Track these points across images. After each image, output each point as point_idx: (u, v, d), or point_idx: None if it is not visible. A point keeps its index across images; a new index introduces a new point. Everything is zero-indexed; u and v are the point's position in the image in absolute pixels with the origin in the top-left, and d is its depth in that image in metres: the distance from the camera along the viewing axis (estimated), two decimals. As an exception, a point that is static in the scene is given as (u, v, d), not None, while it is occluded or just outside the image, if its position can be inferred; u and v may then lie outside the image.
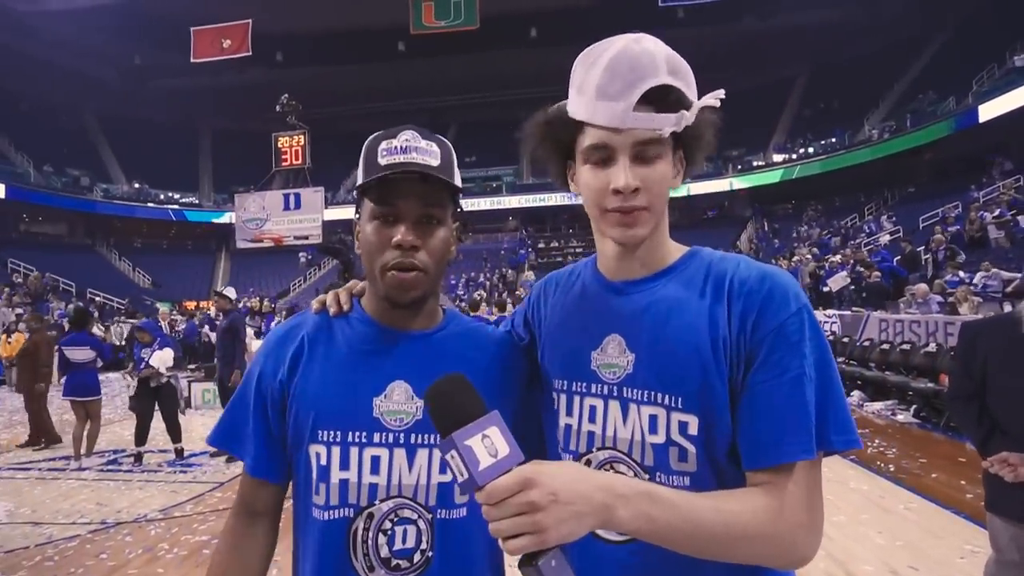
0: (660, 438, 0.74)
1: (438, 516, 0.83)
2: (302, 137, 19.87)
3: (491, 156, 28.22)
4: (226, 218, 25.93)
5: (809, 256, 15.19)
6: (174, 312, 18.25)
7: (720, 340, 0.72)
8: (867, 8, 22.64)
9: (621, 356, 0.78)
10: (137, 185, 27.78)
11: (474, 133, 27.88)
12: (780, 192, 24.53)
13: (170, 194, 28.45)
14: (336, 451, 0.82)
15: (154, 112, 28.64)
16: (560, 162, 0.83)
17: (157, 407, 5.53)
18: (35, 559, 3.35)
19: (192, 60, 21.55)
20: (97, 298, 20.44)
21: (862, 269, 11.07)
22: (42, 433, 6.27)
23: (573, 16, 23.46)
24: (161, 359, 5.43)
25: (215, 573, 0.86)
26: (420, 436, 0.83)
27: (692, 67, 0.74)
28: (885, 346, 7.51)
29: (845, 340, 8.52)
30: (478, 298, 10.42)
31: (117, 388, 9.57)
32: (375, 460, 0.82)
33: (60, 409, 6.45)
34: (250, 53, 21.33)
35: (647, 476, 0.74)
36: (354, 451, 0.82)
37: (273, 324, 12.17)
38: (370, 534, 0.81)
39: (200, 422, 7.14)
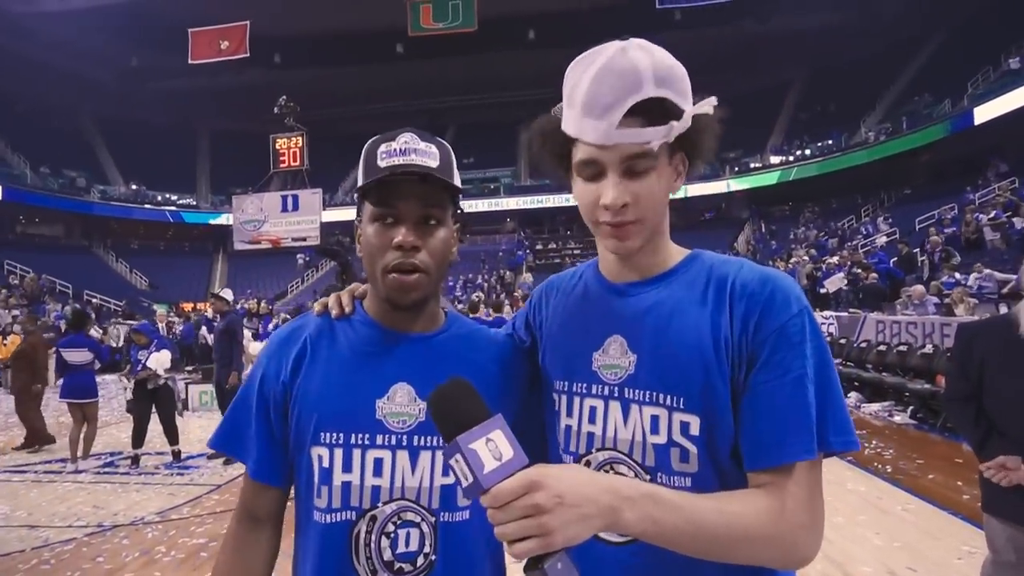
0: (662, 438, 0.74)
1: (441, 519, 0.82)
2: (300, 139, 19.88)
3: (489, 157, 28.25)
4: (223, 219, 25.89)
5: (806, 258, 15.24)
6: (171, 314, 18.19)
7: (722, 341, 0.72)
8: (864, 11, 22.76)
9: (623, 357, 0.78)
10: (134, 186, 27.70)
11: (472, 135, 27.90)
12: (777, 194, 24.61)
13: (167, 195, 28.38)
14: (339, 453, 0.82)
15: (151, 113, 28.58)
16: (560, 168, 0.84)
17: (154, 409, 5.51)
18: (31, 562, 3.33)
19: (190, 61, 21.52)
20: (94, 300, 20.38)
21: (859, 271, 11.12)
22: (34, 437, 6.23)
23: (571, 18, 23.51)
24: (158, 361, 5.42)
25: None
26: (423, 438, 0.83)
27: (689, 69, 0.74)
28: (882, 347, 7.54)
29: (842, 341, 8.55)
30: (476, 300, 10.42)
31: (114, 390, 9.54)
32: (378, 462, 0.82)
33: (57, 411, 6.42)
34: (248, 54, 21.31)
35: (648, 477, 0.74)
36: (357, 453, 0.82)
37: (271, 326, 12.16)
38: (373, 537, 0.81)
39: (197, 424, 7.11)
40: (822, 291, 11.77)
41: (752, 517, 0.65)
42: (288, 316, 15.51)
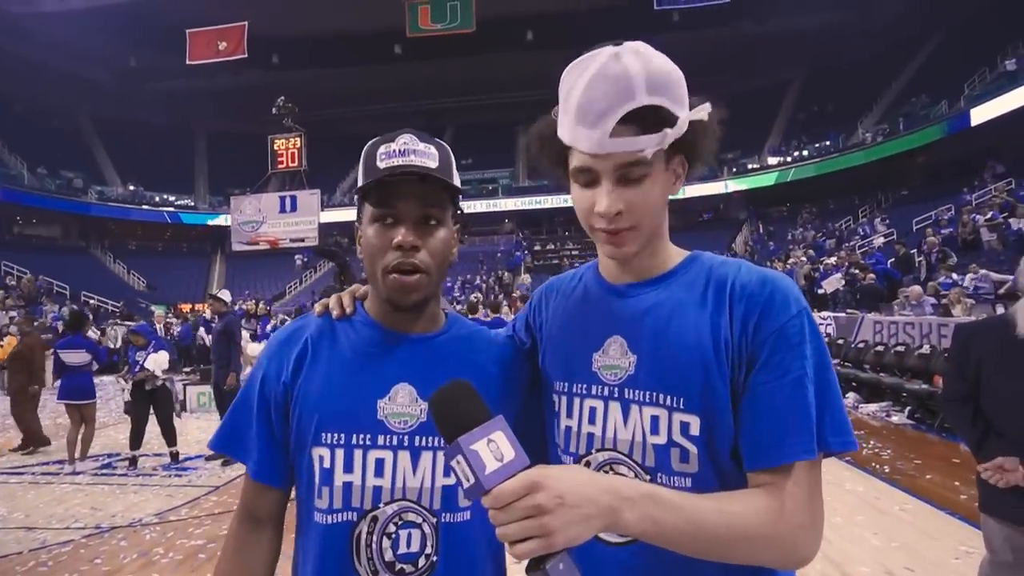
0: (662, 439, 0.74)
1: (443, 520, 0.82)
2: (298, 139, 19.89)
3: (487, 158, 28.24)
4: (222, 220, 25.86)
5: (804, 258, 15.27)
6: (169, 315, 18.16)
7: (722, 342, 0.73)
8: (861, 13, 22.83)
9: (623, 357, 0.78)
10: (132, 187, 27.64)
11: (470, 135, 27.90)
12: (775, 195, 24.67)
13: (165, 196, 28.33)
14: (340, 453, 0.82)
15: (149, 114, 28.53)
16: (559, 169, 0.84)
17: (152, 411, 5.50)
18: (28, 564, 3.32)
19: (188, 62, 21.53)
20: (91, 301, 20.33)
21: (856, 271, 11.15)
22: (30, 439, 6.21)
23: (569, 19, 23.53)
24: (156, 362, 5.41)
25: None
26: (424, 439, 0.83)
27: (687, 70, 0.74)
28: (880, 348, 7.56)
29: (840, 342, 8.57)
30: (475, 300, 10.41)
31: (112, 392, 9.50)
32: (379, 463, 0.82)
33: (54, 412, 6.40)
34: (246, 55, 21.32)
35: (648, 477, 0.75)
36: (358, 453, 0.82)
37: (269, 327, 12.14)
38: (374, 538, 0.81)
39: (195, 426, 7.10)
40: (820, 292, 11.80)
41: (752, 517, 0.65)
42: (286, 317, 15.49)
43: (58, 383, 5.74)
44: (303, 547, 0.86)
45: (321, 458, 0.82)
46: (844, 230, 19.87)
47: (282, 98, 19.38)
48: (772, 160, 25.32)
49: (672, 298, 0.78)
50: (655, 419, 0.75)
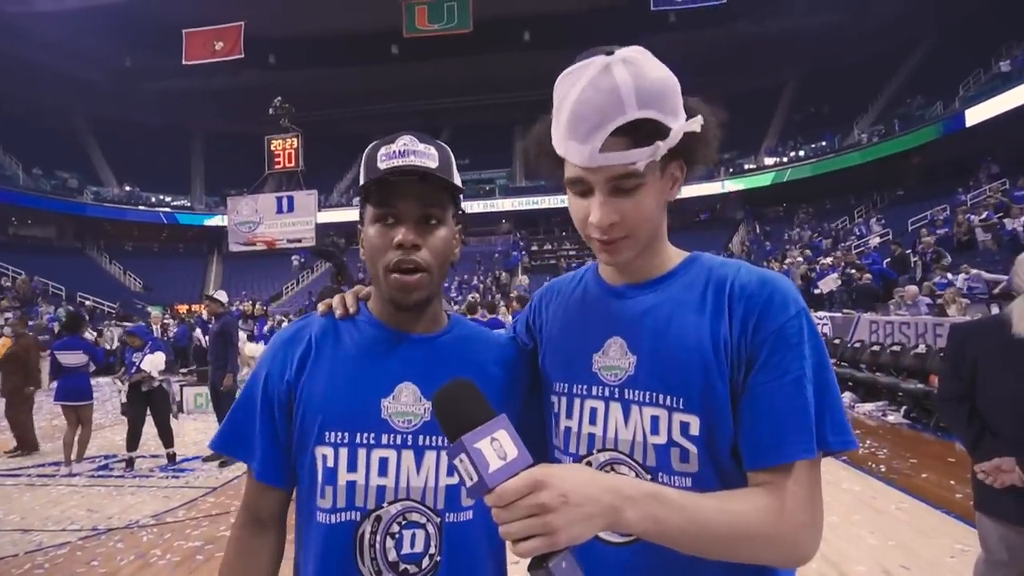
0: (662, 439, 0.75)
1: (446, 519, 0.83)
2: (295, 140, 19.84)
3: (485, 159, 28.23)
4: (218, 221, 25.77)
5: (800, 258, 15.32)
6: (165, 316, 18.09)
7: (721, 342, 0.73)
8: (857, 14, 22.92)
9: (623, 358, 0.79)
10: (128, 188, 27.54)
11: (468, 136, 27.88)
12: (772, 195, 24.75)
13: (161, 197, 28.24)
14: (344, 452, 0.82)
15: (145, 114, 28.41)
16: (558, 171, 0.84)
17: (149, 412, 5.48)
18: (24, 567, 3.30)
19: (184, 62, 21.43)
20: (87, 302, 20.22)
21: (852, 271, 11.20)
22: (21, 441, 6.18)
23: (566, 20, 23.56)
24: (152, 363, 5.39)
25: None
26: (428, 438, 0.83)
27: (684, 71, 0.74)
28: (875, 347, 7.59)
29: (836, 342, 8.61)
30: (473, 301, 10.41)
31: (108, 393, 9.46)
32: (383, 462, 0.82)
33: (50, 414, 6.37)
34: (242, 55, 21.24)
35: (649, 477, 0.75)
36: (362, 452, 0.82)
37: (266, 328, 12.10)
38: (378, 538, 0.81)
39: (192, 427, 7.08)
40: (816, 292, 11.85)
41: (753, 516, 0.66)
42: (283, 318, 15.45)
43: (54, 384, 5.71)
44: (305, 547, 0.85)
45: (324, 457, 0.82)
46: (840, 230, 19.94)
47: (279, 98, 19.33)
48: (768, 160, 25.39)
49: (672, 299, 0.79)
50: (655, 419, 0.75)
